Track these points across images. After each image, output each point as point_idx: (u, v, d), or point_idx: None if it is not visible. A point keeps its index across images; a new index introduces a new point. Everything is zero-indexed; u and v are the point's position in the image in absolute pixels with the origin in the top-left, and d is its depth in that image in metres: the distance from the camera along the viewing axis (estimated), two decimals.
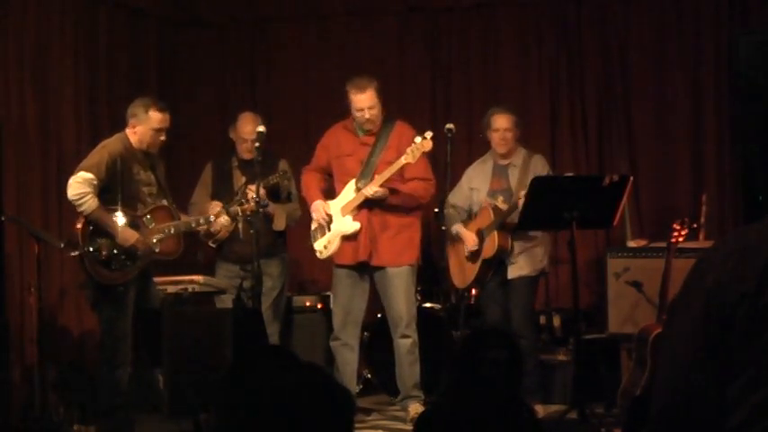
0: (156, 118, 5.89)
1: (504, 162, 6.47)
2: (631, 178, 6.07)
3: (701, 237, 6.69)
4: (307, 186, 6.43)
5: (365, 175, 6.19)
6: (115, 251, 5.71)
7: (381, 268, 6.22)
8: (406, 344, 6.24)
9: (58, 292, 6.80)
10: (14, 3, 6.66)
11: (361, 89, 6.18)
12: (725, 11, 7.38)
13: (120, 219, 5.76)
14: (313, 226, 6.39)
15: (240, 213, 6.02)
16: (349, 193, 6.24)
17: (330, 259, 6.36)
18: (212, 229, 6.22)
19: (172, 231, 5.92)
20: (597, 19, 7.69)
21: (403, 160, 6.02)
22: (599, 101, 7.69)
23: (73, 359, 6.88)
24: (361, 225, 6.17)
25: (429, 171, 6.26)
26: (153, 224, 5.85)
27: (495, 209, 6.33)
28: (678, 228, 5.92)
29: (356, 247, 6.20)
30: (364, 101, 6.17)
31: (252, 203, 5.99)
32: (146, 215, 5.86)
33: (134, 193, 5.84)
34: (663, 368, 1.62)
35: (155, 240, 5.83)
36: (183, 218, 6.11)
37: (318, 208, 6.29)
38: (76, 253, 5.71)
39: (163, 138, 5.94)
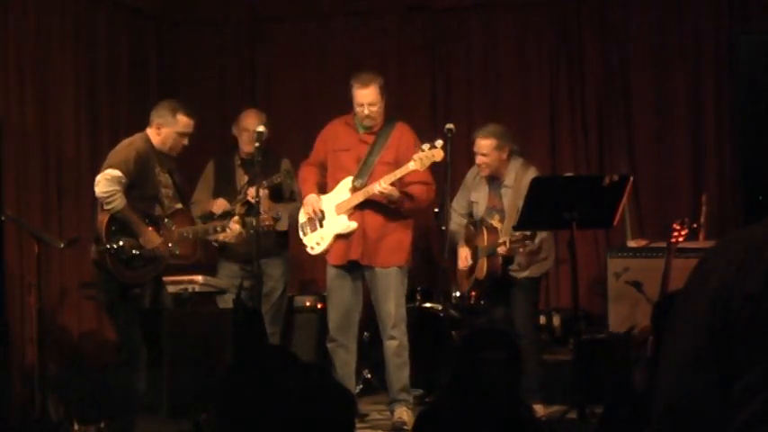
0: (183, 122, 5.90)
1: (498, 181, 6.44)
2: (631, 178, 6.06)
3: (701, 237, 6.69)
4: (303, 179, 6.35)
5: (362, 174, 6.13)
6: (136, 252, 5.68)
7: (371, 268, 6.17)
8: (392, 346, 6.15)
9: (58, 292, 6.80)
10: (14, 3, 6.66)
11: (364, 84, 6.14)
12: (725, 11, 7.39)
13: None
14: (302, 219, 6.31)
15: (255, 224, 5.99)
16: (343, 192, 6.16)
17: (321, 257, 6.32)
18: (225, 239, 6.20)
19: (191, 236, 5.92)
20: (597, 19, 7.69)
21: (410, 167, 5.94)
22: (599, 101, 7.69)
23: (73, 359, 6.88)
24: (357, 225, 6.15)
25: (430, 175, 6.20)
26: (173, 227, 5.85)
27: (490, 229, 6.32)
28: (678, 228, 5.92)
29: (348, 246, 6.14)
30: (366, 96, 6.12)
31: (268, 216, 6.02)
32: (166, 217, 5.86)
33: (155, 193, 5.83)
34: (665, 369, 1.62)
35: (170, 245, 5.83)
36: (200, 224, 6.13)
37: (312, 202, 6.21)
38: (100, 248, 5.66)
39: (185, 142, 5.95)
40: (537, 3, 7.83)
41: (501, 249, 6.17)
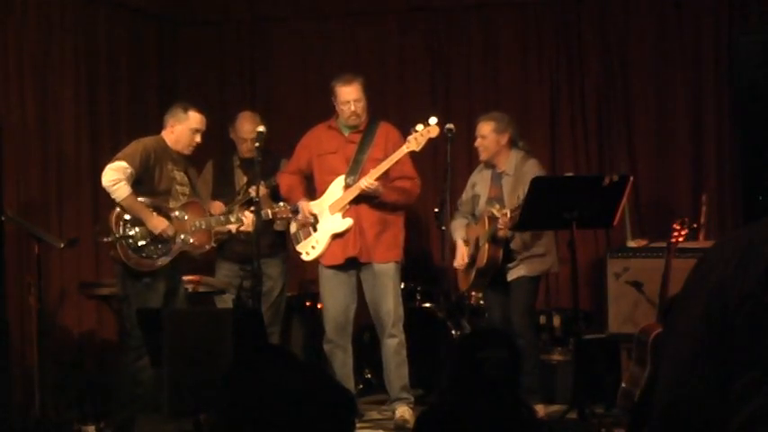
0: (195, 118, 6.07)
1: (498, 170, 6.44)
2: (631, 178, 6.07)
3: (701, 237, 6.69)
4: (289, 188, 6.37)
5: (353, 171, 6.16)
6: (147, 239, 5.79)
7: (368, 265, 6.18)
8: (392, 344, 6.16)
9: (58, 292, 6.81)
10: (15, 3, 6.66)
11: (347, 82, 6.22)
12: (725, 11, 7.38)
13: None
14: (293, 228, 6.34)
15: (271, 216, 6.09)
16: (336, 191, 6.18)
17: (316, 261, 6.32)
18: (241, 228, 6.25)
19: (203, 226, 6.02)
20: (597, 19, 7.69)
21: (405, 149, 6.02)
22: (599, 101, 7.68)
23: (73, 359, 6.88)
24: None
25: (414, 170, 6.25)
26: (186, 217, 5.94)
27: (491, 218, 6.32)
28: (678, 228, 5.92)
29: (345, 244, 6.15)
30: (351, 93, 6.19)
31: (286, 208, 6.09)
32: (177, 209, 5.95)
33: (167, 189, 5.95)
34: (664, 368, 1.62)
35: (183, 236, 5.90)
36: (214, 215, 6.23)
37: (302, 208, 6.23)
38: (108, 239, 5.81)
39: (198, 139, 6.10)
40: (537, 3, 7.82)
41: (502, 222, 6.12)
